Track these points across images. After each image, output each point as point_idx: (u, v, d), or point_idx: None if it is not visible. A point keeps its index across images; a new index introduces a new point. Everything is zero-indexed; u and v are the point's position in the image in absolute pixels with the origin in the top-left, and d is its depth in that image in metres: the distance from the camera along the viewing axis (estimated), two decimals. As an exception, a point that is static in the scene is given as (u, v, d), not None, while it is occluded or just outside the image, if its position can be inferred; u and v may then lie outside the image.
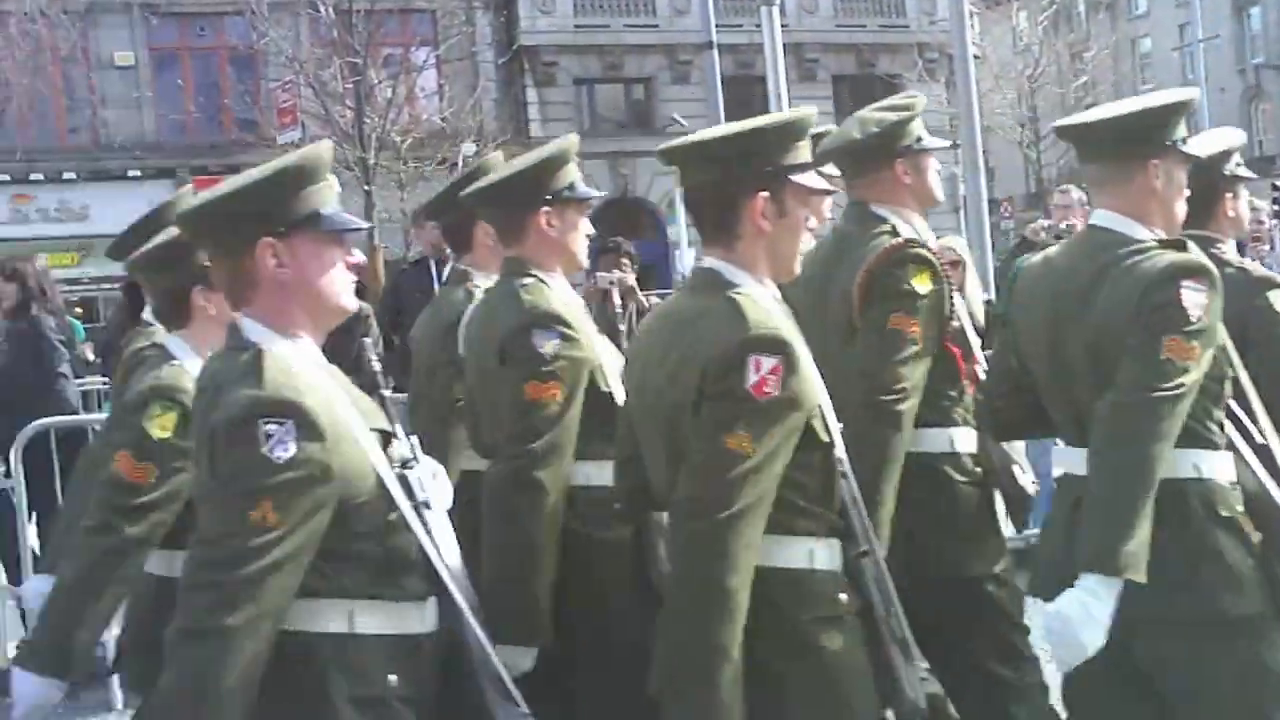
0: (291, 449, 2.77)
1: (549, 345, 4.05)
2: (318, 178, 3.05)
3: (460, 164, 25.33)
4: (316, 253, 3.02)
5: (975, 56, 17.97)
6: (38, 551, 7.38)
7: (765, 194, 3.24)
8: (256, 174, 3.05)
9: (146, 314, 4.45)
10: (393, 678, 2.92)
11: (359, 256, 3.19)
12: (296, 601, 2.83)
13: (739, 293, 3.20)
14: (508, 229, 4.38)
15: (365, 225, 3.33)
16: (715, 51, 16.60)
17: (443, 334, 4.85)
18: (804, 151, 3.34)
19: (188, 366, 3.84)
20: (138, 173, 30.65)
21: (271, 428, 2.77)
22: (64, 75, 29.54)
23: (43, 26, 21.04)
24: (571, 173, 4.34)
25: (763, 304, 3.21)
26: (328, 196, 3.05)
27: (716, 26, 16.96)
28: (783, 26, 17.00)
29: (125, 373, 4.18)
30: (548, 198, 4.28)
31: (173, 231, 3.80)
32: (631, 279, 9.00)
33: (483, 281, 4.83)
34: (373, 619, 2.93)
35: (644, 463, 3.46)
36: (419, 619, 3.02)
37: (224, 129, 31.33)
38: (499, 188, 4.39)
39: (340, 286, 3.08)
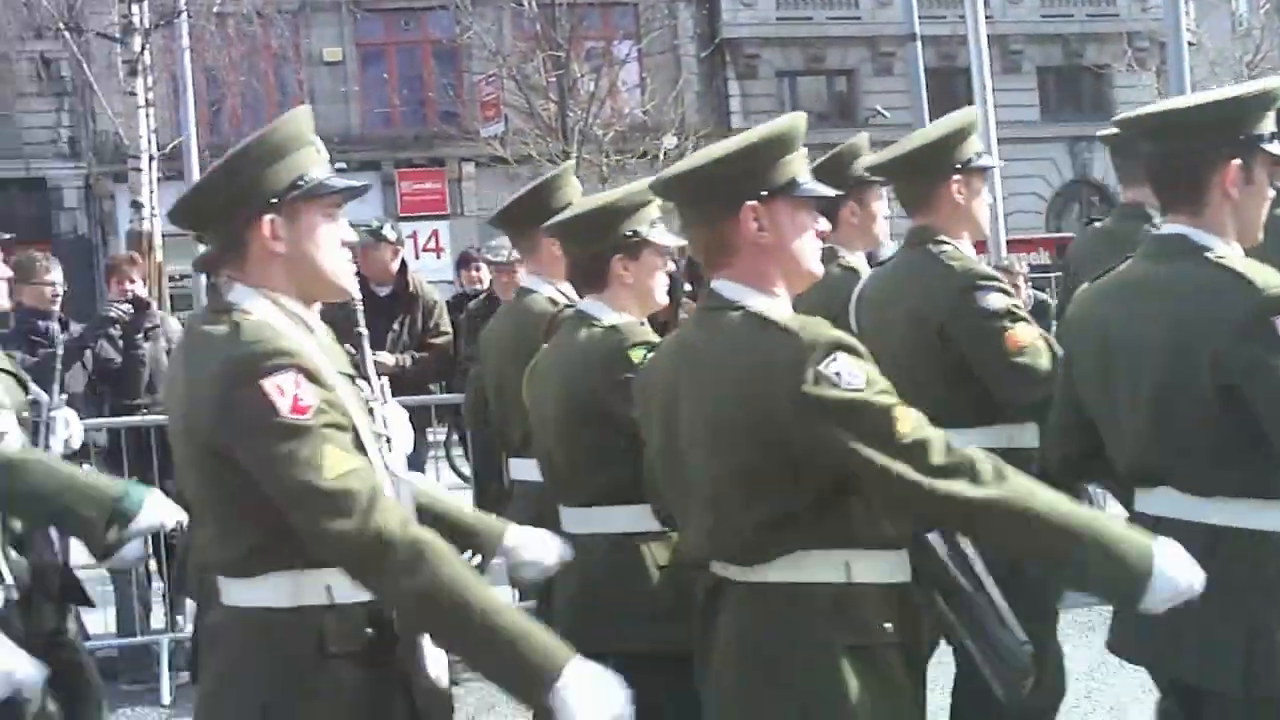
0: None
1: (996, 300, 4.29)
2: (794, 147, 3.15)
3: (661, 157, 25.37)
4: (794, 218, 3.12)
5: (1190, 43, 17.36)
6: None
7: (1237, 161, 3.28)
8: (741, 142, 3.12)
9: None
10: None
11: (823, 225, 3.28)
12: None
13: (1219, 256, 3.25)
14: (916, 199, 4.56)
15: (835, 192, 3.39)
16: (918, 43, 16.29)
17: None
18: (1271, 121, 3.37)
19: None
20: (344, 165, 31.08)
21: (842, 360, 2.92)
22: (276, 72, 30.23)
23: (258, 26, 21.55)
24: (975, 144, 4.51)
25: (1253, 264, 3.23)
26: (802, 166, 3.15)
27: (919, 18, 16.66)
28: (986, 18, 16.69)
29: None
30: (957, 167, 4.47)
31: (590, 202, 4.17)
32: None
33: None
34: None
35: (1084, 430, 3.52)
36: None
37: (428, 122, 31.84)
38: (908, 159, 4.57)
39: (812, 251, 3.17)
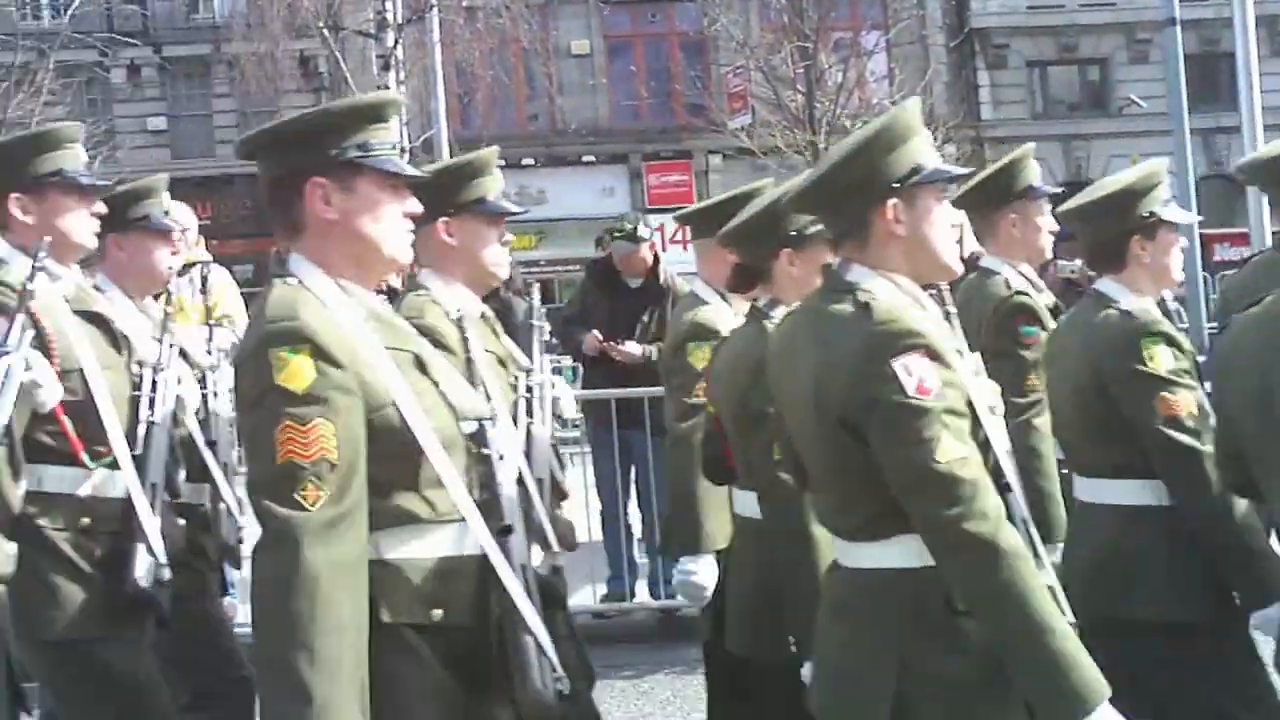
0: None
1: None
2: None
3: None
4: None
5: None
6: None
7: None
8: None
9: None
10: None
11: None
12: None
13: None
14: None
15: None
16: (1178, 28, 15.74)
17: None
18: None
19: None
20: (592, 158, 31.62)
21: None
22: (524, 65, 30.70)
23: (507, 20, 21.93)
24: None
25: None
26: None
27: (1180, 2, 16.08)
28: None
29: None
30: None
31: (1107, 186, 4.31)
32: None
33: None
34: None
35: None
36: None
37: (675, 114, 31.96)
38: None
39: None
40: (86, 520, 3.98)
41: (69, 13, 26.88)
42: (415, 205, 3.07)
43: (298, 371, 2.72)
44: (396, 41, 16.06)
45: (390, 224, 2.99)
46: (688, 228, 5.59)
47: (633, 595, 8.52)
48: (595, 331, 8.40)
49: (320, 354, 2.74)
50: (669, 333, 5.61)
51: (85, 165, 4.28)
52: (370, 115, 2.98)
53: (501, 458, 2.99)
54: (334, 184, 2.92)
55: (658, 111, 32.41)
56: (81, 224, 4.18)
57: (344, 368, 2.76)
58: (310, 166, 2.92)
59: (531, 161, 31.52)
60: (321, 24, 17.25)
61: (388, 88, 16.23)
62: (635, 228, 8.39)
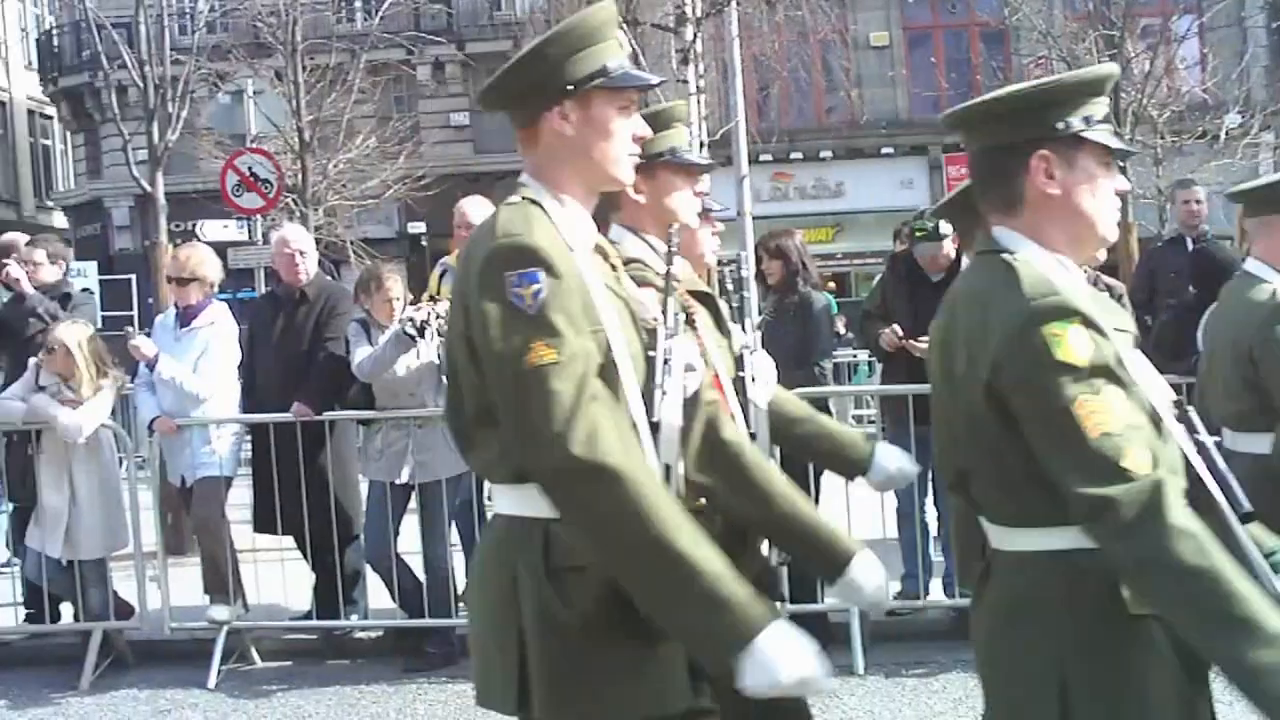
0: None
1: None
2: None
3: (1222, 137, 24.14)
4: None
5: None
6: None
7: None
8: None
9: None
10: None
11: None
12: None
13: None
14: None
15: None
16: None
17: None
18: None
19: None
20: (890, 150, 31.34)
21: None
22: (822, 58, 30.58)
23: (806, 12, 21.87)
24: None
25: None
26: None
27: None
28: None
29: None
30: None
31: None
32: None
33: None
34: None
35: None
36: None
37: (975, 106, 31.45)
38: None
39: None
40: None
41: (379, 14, 27.86)
42: (1123, 183, 3.08)
43: (1076, 345, 2.73)
44: (695, 35, 16.10)
45: (1105, 201, 3.00)
46: (1240, 205, 5.56)
47: (927, 593, 8.43)
48: (895, 326, 8.31)
49: (1089, 324, 2.76)
50: (1240, 311, 5.38)
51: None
52: (1093, 89, 3.00)
53: None
54: (1058, 157, 2.95)
55: (957, 103, 31.62)
56: (687, 203, 4.21)
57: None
58: (1037, 139, 2.95)
59: (829, 154, 31.41)
60: (620, 19, 17.47)
61: (685, 81, 16.33)
62: (936, 225, 8.26)
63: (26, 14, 44.48)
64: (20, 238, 10.17)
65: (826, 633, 7.68)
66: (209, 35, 21.31)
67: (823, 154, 31.39)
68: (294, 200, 22.47)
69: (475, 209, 8.92)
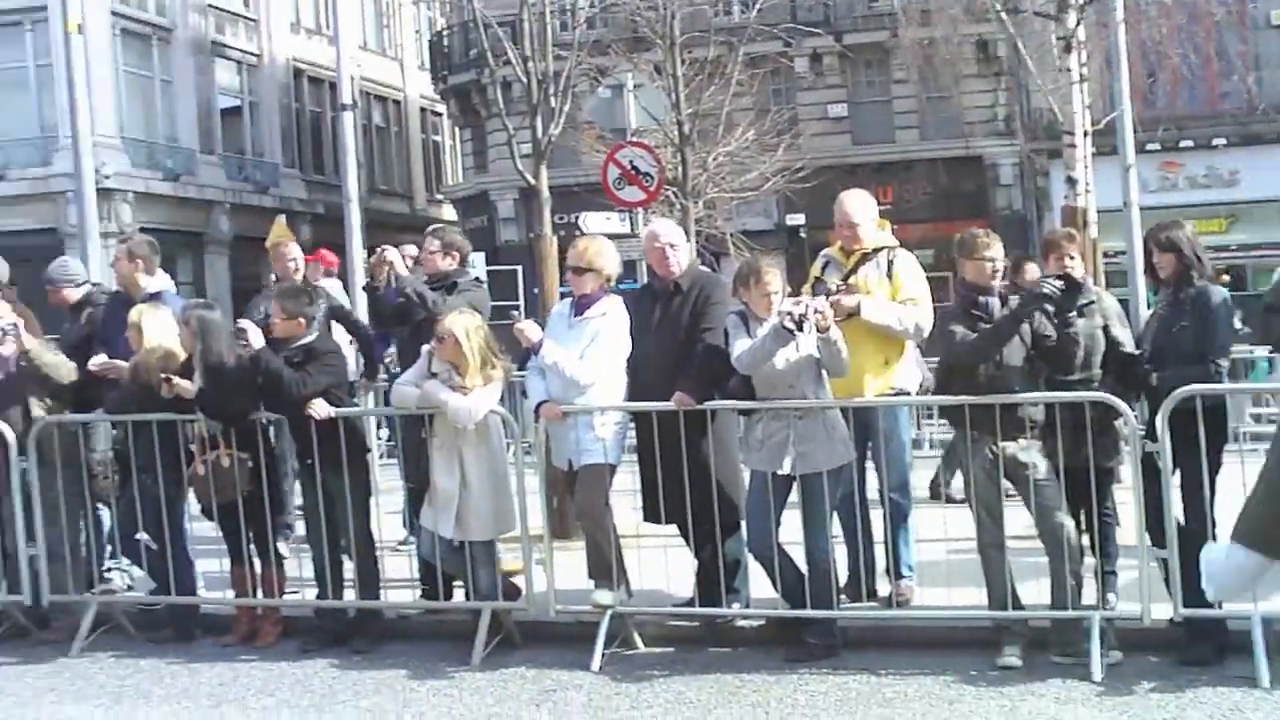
0: None
1: None
2: None
3: None
4: None
5: None
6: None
7: None
8: None
9: None
10: None
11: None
12: None
13: None
14: None
15: None
16: None
17: None
18: None
19: None
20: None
21: None
22: (1215, 41, 29.32)
23: (1199, -9, 21.06)
24: None
25: None
26: None
27: None
28: None
29: None
30: None
31: None
32: None
33: None
34: None
35: None
36: None
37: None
38: None
39: None
40: None
41: (756, 6, 28.06)
42: None
43: None
44: (1078, 21, 15.63)
45: None
46: None
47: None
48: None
49: None
50: None
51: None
52: None
53: None
54: None
55: (1364, 85, 30.14)
56: None
57: None
58: None
59: (1223, 141, 30.10)
60: (1000, 7, 17.11)
61: (1068, 70, 15.87)
62: None
63: (420, 17, 46.60)
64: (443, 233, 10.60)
65: (1225, 640, 7.36)
66: (589, 31, 21.85)
67: (1215, 141, 30.11)
68: (674, 193, 22.85)
69: (855, 203, 8.86)
